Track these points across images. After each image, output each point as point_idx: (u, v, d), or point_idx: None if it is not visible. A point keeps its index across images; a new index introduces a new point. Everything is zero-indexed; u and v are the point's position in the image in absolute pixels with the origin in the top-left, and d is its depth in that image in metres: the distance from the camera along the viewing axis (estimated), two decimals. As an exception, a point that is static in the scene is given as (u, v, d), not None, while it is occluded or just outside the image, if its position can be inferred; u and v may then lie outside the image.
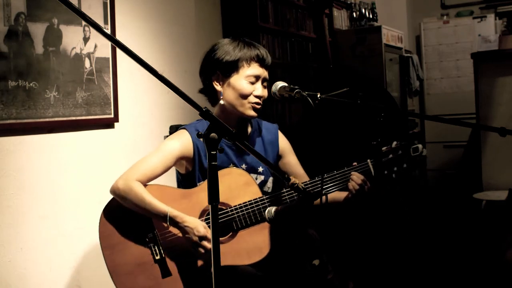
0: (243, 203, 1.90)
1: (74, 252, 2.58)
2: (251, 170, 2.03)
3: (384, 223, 3.73)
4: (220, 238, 1.88)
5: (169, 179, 2.04)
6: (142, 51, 3.06)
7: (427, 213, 5.24)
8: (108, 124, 2.80)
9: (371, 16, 5.78)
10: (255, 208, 1.89)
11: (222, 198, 1.89)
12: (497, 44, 4.33)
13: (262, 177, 2.07)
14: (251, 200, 1.90)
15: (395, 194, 4.13)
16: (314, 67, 4.88)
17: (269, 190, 2.09)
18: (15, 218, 2.33)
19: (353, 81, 4.63)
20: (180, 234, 1.87)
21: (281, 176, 1.61)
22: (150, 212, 1.85)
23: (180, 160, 1.96)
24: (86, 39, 2.64)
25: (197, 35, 3.53)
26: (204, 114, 1.27)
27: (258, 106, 1.98)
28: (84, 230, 2.61)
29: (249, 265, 1.88)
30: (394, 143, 1.98)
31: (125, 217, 1.89)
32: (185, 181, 2.03)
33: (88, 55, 2.65)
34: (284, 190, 1.93)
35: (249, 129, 2.10)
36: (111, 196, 1.92)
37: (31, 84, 2.36)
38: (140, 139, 3.01)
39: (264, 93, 2.00)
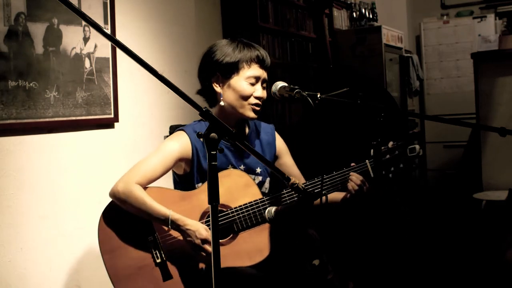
0: (244, 204, 1.90)
1: (74, 252, 2.58)
2: (249, 171, 2.03)
3: (382, 223, 3.73)
4: (221, 240, 1.88)
5: (166, 180, 2.04)
6: (142, 51, 3.06)
7: (427, 213, 5.24)
8: (108, 124, 2.80)
9: (371, 16, 5.77)
10: (256, 209, 1.89)
11: (222, 200, 1.89)
12: (497, 44, 4.33)
13: (260, 178, 2.07)
14: (251, 202, 1.90)
15: (392, 194, 4.12)
16: (314, 67, 4.87)
17: (267, 191, 2.09)
18: (15, 218, 2.33)
19: (353, 81, 4.63)
20: (181, 237, 1.86)
21: (281, 177, 1.60)
22: (151, 216, 1.84)
23: (178, 161, 1.95)
24: (86, 39, 2.64)
25: (197, 35, 3.53)
26: (204, 114, 1.27)
27: (258, 108, 1.98)
28: (84, 230, 2.61)
29: (250, 266, 1.88)
30: (391, 143, 1.99)
31: (125, 221, 1.88)
32: (183, 182, 2.02)
33: (88, 55, 2.65)
34: (284, 191, 1.92)
35: (247, 130, 2.10)
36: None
37: (31, 84, 2.36)
38: (140, 139, 3.01)
39: (264, 94, 2.00)
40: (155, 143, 3.01)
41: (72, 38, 2.57)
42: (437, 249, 4.06)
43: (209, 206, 1.26)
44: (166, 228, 1.86)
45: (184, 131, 1.98)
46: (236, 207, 1.89)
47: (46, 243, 2.45)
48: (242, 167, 2.02)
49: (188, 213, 1.86)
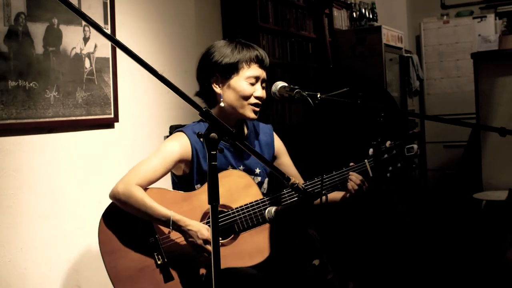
0: (244, 205, 1.90)
1: (74, 252, 2.58)
2: (249, 171, 2.02)
3: (380, 223, 3.73)
4: (222, 241, 1.88)
5: (164, 181, 2.03)
6: (142, 51, 3.06)
7: (427, 213, 5.24)
8: (108, 124, 2.80)
9: (371, 16, 5.77)
10: (256, 209, 1.89)
11: (223, 201, 1.89)
12: (497, 44, 4.33)
13: (258, 179, 2.07)
14: (252, 202, 1.90)
15: (390, 194, 4.12)
16: (314, 67, 4.87)
17: (265, 191, 2.09)
18: (15, 218, 2.33)
19: (353, 81, 4.63)
20: (182, 239, 1.86)
21: (281, 177, 1.60)
22: (152, 217, 1.84)
23: (178, 163, 1.95)
24: (86, 39, 2.64)
25: (197, 35, 3.53)
26: (204, 114, 1.27)
27: (258, 108, 1.98)
28: (84, 230, 2.61)
29: (250, 266, 1.88)
30: (388, 142, 1.99)
31: (125, 222, 1.87)
32: (181, 183, 2.01)
33: (88, 55, 2.65)
34: (285, 191, 1.92)
35: (245, 131, 2.10)
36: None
37: (31, 84, 2.36)
38: (140, 139, 3.01)
39: (264, 94, 2.00)
40: (155, 143, 3.01)
41: (72, 38, 2.57)
42: (437, 249, 4.06)
43: (209, 205, 1.26)
44: (167, 229, 1.85)
45: (184, 132, 1.97)
46: (237, 208, 1.89)
47: (46, 243, 2.45)
48: (241, 167, 2.02)
49: (189, 214, 1.86)
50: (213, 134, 1.26)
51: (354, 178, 1.94)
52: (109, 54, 2.76)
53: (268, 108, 4.07)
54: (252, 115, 1.98)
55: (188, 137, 1.95)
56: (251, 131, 2.11)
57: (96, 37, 2.68)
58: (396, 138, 2.01)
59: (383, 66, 5.29)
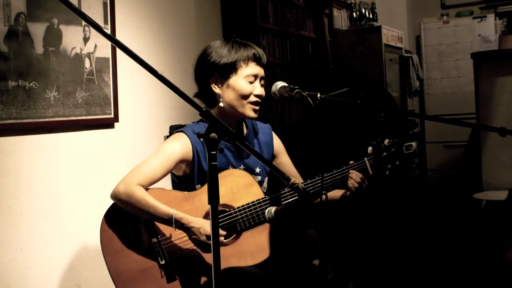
0: (246, 204, 1.90)
1: (74, 252, 2.58)
2: (249, 171, 2.03)
3: (379, 221, 3.73)
4: (224, 240, 1.88)
5: (164, 182, 2.03)
6: (142, 51, 3.06)
7: (427, 213, 5.24)
8: (108, 124, 2.80)
9: (371, 16, 5.77)
10: (258, 209, 1.89)
11: (225, 200, 1.89)
12: (497, 44, 4.33)
13: (258, 178, 2.07)
14: (254, 201, 1.90)
15: (388, 191, 4.12)
16: (314, 67, 4.87)
17: (265, 190, 2.09)
18: (15, 218, 2.33)
19: (353, 81, 4.63)
20: (185, 237, 1.86)
21: (280, 176, 1.61)
22: (154, 216, 1.84)
23: (179, 163, 1.95)
24: (86, 39, 2.64)
25: (197, 35, 3.54)
26: (204, 114, 1.27)
27: (257, 107, 1.99)
28: (84, 230, 2.61)
29: (252, 266, 1.88)
30: (387, 140, 2.00)
31: (127, 223, 1.87)
32: (182, 184, 2.01)
33: (88, 55, 2.65)
34: (286, 190, 1.92)
35: (245, 131, 2.10)
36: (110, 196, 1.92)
37: (31, 84, 2.36)
38: (140, 139, 3.01)
39: (263, 92, 2.00)
40: (155, 143, 3.01)
41: (72, 38, 2.57)
42: (437, 249, 4.06)
43: (209, 204, 1.26)
44: (170, 228, 1.85)
45: (184, 132, 1.97)
46: (239, 207, 1.90)
47: (46, 243, 2.45)
48: (241, 167, 2.03)
49: (191, 214, 1.86)
50: (213, 134, 1.26)
51: (355, 176, 1.95)
52: (109, 54, 2.76)
53: (268, 108, 4.08)
54: (252, 114, 1.98)
55: (188, 137, 1.95)
56: (250, 131, 2.11)
57: (96, 37, 2.68)
58: (395, 136, 2.02)
59: (383, 66, 5.29)
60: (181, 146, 1.93)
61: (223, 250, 1.86)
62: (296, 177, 2.11)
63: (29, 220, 2.38)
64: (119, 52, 2.79)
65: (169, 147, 1.93)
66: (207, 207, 1.89)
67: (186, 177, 1.99)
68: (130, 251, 1.85)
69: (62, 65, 2.51)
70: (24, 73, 2.33)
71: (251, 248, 1.89)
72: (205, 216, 1.90)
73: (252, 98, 1.96)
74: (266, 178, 2.11)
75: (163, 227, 1.87)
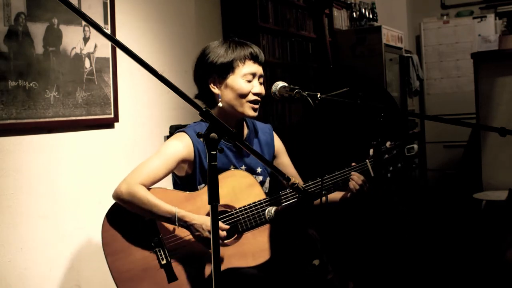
0: (248, 205, 1.90)
1: (74, 252, 2.58)
2: (250, 171, 2.03)
3: (380, 223, 3.73)
4: (226, 241, 1.88)
5: (165, 182, 2.03)
6: (142, 51, 3.06)
7: (427, 213, 5.24)
8: (108, 124, 2.80)
9: (371, 16, 5.77)
10: (260, 209, 1.89)
11: (226, 200, 1.90)
12: (497, 44, 4.33)
13: (260, 178, 2.07)
14: (255, 202, 1.90)
15: (390, 194, 4.13)
16: (314, 67, 4.87)
17: (267, 191, 2.09)
18: (15, 218, 2.33)
19: (353, 81, 4.63)
20: (186, 237, 1.86)
21: (281, 176, 1.61)
22: (157, 215, 1.84)
23: (181, 163, 1.95)
24: (86, 39, 2.64)
25: (197, 35, 3.54)
26: (204, 114, 1.27)
27: (257, 105, 1.98)
28: (84, 230, 2.61)
29: (253, 267, 1.88)
30: (388, 143, 1.99)
31: (128, 222, 1.87)
32: (184, 184, 2.01)
33: (88, 55, 2.65)
34: (287, 191, 1.92)
35: (246, 131, 2.10)
36: (111, 196, 1.91)
37: (31, 84, 2.36)
38: (140, 139, 3.01)
39: (262, 90, 2.00)
40: (155, 143, 3.01)
41: (72, 38, 2.57)
42: (437, 249, 4.06)
43: (209, 204, 1.26)
44: (172, 227, 1.85)
45: (186, 132, 1.97)
46: (240, 208, 1.90)
47: (46, 243, 2.45)
48: (243, 167, 2.03)
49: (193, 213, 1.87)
50: (213, 134, 1.27)
51: (356, 178, 1.95)
52: (109, 54, 2.76)
53: (268, 108, 4.08)
54: (251, 112, 1.97)
55: (190, 137, 1.95)
56: (251, 131, 2.11)
57: (96, 37, 2.68)
58: (396, 138, 2.02)
59: (383, 66, 5.29)
60: (183, 146, 1.93)
61: (224, 250, 1.86)
62: (296, 178, 2.11)
63: (29, 220, 2.38)
64: (119, 52, 2.79)
65: (170, 147, 1.93)
66: (209, 207, 1.89)
67: (188, 177, 1.99)
68: (131, 250, 1.85)
69: (62, 65, 2.51)
70: (24, 73, 2.33)
71: (253, 249, 1.89)
72: (207, 216, 1.90)
73: (251, 97, 1.96)
74: (268, 178, 2.11)
75: (164, 227, 1.87)
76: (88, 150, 2.68)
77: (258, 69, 2.00)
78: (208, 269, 1.87)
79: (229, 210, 1.91)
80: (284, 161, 2.17)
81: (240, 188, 1.92)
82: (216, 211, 1.27)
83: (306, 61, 4.83)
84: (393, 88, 5.57)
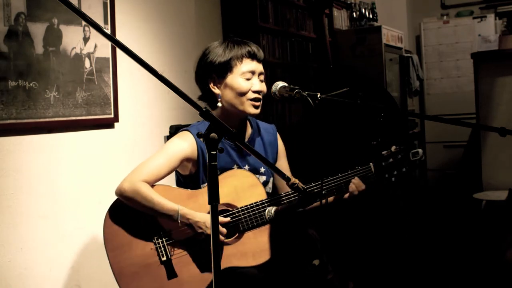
0: (249, 204, 1.90)
1: (74, 252, 2.58)
2: (253, 171, 2.03)
3: (384, 226, 3.73)
4: (227, 240, 1.89)
5: (168, 181, 2.04)
6: (142, 51, 3.06)
7: (427, 213, 5.24)
8: (108, 124, 2.80)
9: (371, 16, 5.77)
10: (261, 209, 1.90)
11: (228, 199, 1.90)
12: (497, 44, 4.33)
13: (263, 178, 2.07)
14: (257, 202, 1.90)
15: (396, 198, 4.13)
16: (314, 67, 4.87)
17: (270, 191, 2.10)
18: (15, 218, 2.33)
19: (353, 81, 4.63)
20: (188, 234, 1.87)
21: (281, 176, 1.61)
22: (159, 212, 1.85)
23: (184, 161, 1.96)
24: (86, 39, 2.64)
25: (197, 35, 3.54)
26: (204, 114, 1.27)
27: (258, 103, 1.98)
28: (84, 230, 2.61)
29: (254, 266, 1.89)
30: (394, 147, 1.99)
31: (130, 218, 1.88)
32: (188, 183, 2.02)
33: (88, 55, 2.65)
34: (289, 192, 1.92)
35: (250, 130, 2.10)
36: (111, 196, 1.92)
37: (31, 84, 2.36)
38: (140, 139, 3.01)
39: (262, 87, 1.99)
40: (155, 143, 3.01)
41: (72, 38, 2.57)
42: (437, 249, 4.06)
43: (209, 204, 1.26)
44: (173, 224, 1.86)
45: (189, 131, 1.98)
46: (242, 207, 1.90)
47: (46, 243, 2.45)
48: (246, 166, 2.03)
49: (195, 211, 1.87)
50: (213, 134, 1.27)
51: (357, 183, 1.94)
52: (109, 54, 2.76)
53: (268, 108, 4.08)
54: (252, 110, 1.97)
55: (194, 136, 1.96)
56: (255, 131, 2.11)
57: (96, 37, 2.68)
58: (401, 143, 2.01)
59: (383, 66, 5.29)
60: (187, 145, 1.94)
61: (225, 249, 1.87)
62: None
63: (29, 220, 2.38)
64: (119, 52, 2.79)
65: (174, 145, 1.95)
66: None
67: (191, 176, 2.00)
68: (132, 246, 1.86)
69: (62, 65, 2.51)
70: (24, 73, 2.33)
71: (253, 249, 1.89)
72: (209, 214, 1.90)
73: (251, 95, 1.96)
74: (272, 178, 2.11)
75: (165, 224, 1.88)
76: (88, 150, 2.68)
77: (257, 67, 1.99)
78: (209, 267, 1.87)
79: (230, 209, 1.91)
80: (281, 164, 2.17)
81: (242, 187, 1.92)
82: (216, 211, 1.27)
83: (306, 61, 4.83)
84: (393, 88, 5.57)
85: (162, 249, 1.87)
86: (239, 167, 2.01)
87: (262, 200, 1.91)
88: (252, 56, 1.98)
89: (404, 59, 5.87)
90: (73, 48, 2.57)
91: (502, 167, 4.21)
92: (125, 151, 2.90)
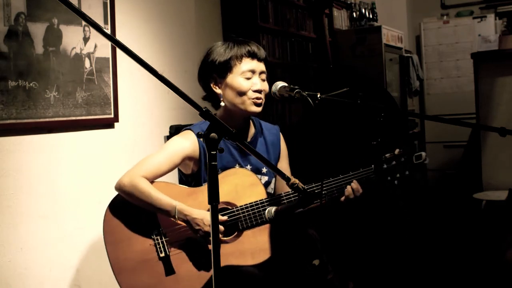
0: (249, 203, 1.90)
1: (74, 252, 2.58)
2: (255, 170, 2.03)
3: (384, 226, 3.73)
4: (225, 238, 1.89)
5: (171, 179, 2.04)
6: (142, 51, 3.06)
7: (427, 213, 5.24)
8: (108, 124, 2.80)
9: (371, 16, 5.77)
10: (261, 208, 1.90)
11: (228, 198, 1.90)
12: (497, 44, 4.33)
13: (266, 178, 2.07)
14: (257, 201, 1.90)
15: (396, 198, 4.13)
16: (314, 67, 4.87)
17: (272, 191, 2.10)
18: (15, 218, 2.33)
19: (353, 81, 4.63)
20: (187, 231, 1.87)
21: (280, 176, 1.61)
22: (156, 207, 1.86)
23: (186, 160, 1.96)
24: (86, 39, 2.64)
25: (197, 35, 3.53)
26: (204, 114, 1.27)
27: (259, 101, 1.97)
28: (84, 230, 2.61)
29: (252, 265, 1.89)
30: (397, 150, 1.98)
31: (130, 214, 1.89)
32: (190, 182, 2.03)
33: (88, 55, 2.65)
34: (290, 192, 1.92)
35: (252, 130, 2.10)
36: (111, 196, 1.92)
37: (31, 84, 2.36)
38: (140, 139, 3.01)
39: (264, 86, 1.98)
40: (155, 143, 3.01)
41: (72, 38, 2.57)
42: (437, 249, 4.06)
43: (209, 204, 1.26)
44: (172, 220, 1.86)
45: (192, 130, 1.99)
46: (242, 206, 1.90)
47: (46, 243, 2.45)
48: (248, 166, 2.03)
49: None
50: (213, 134, 1.27)
51: (355, 187, 1.93)
52: (109, 54, 2.76)
53: (268, 108, 4.08)
54: (253, 108, 1.97)
55: (196, 135, 1.97)
56: (258, 131, 2.11)
57: (96, 37, 2.68)
58: (405, 146, 2.00)
59: (383, 66, 5.29)
60: (188, 143, 1.95)
61: (223, 247, 1.87)
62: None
63: (29, 220, 2.38)
64: (119, 52, 2.79)
65: (175, 143, 1.96)
66: None
67: (193, 175, 2.01)
68: (132, 241, 1.87)
69: (62, 65, 2.51)
70: (24, 73, 2.33)
71: (252, 248, 1.89)
72: (208, 211, 1.90)
73: (251, 94, 1.95)
74: (274, 179, 2.11)
75: (165, 220, 1.88)
76: (88, 150, 2.68)
77: (258, 66, 1.99)
78: (207, 265, 1.87)
79: (230, 207, 1.91)
80: (282, 166, 2.17)
81: (243, 186, 1.93)
82: (216, 211, 1.27)
83: (306, 61, 4.83)
84: (393, 88, 5.57)
85: (161, 245, 1.87)
86: (241, 166, 2.01)
87: (262, 200, 1.91)
88: (252, 55, 1.98)
89: (404, 59, 5.87)
90: (73, 48, 2.57)
91: (502, 167, 4.21)
92: (125, 151, 2.90)
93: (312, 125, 3.94)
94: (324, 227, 2.17)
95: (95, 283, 2.65)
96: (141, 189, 1.85)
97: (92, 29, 2.64)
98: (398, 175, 1.96)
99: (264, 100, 1.99)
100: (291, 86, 1.89)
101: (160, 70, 1.25)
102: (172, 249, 1.88)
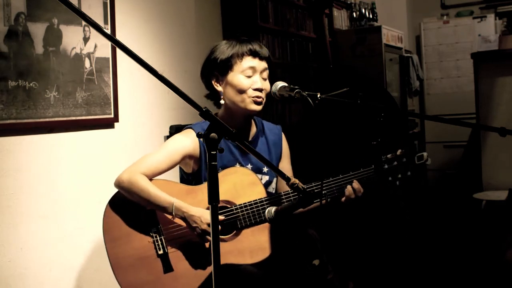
0: (248, 202, 1.90)
1: (74, 252, 2.58)
2: (256, 170, 2.03)
3: (385, 226, 3.73)
4: (224, 236, 1.89)
5: (172, 178, 2.04)
6: (142, 51, 3.06)
7: (427, 213, 5.24)
8: (108, 124, 2.80)
9: (371, 16, 5.77)
10: (260, 207, 1.90)
11: (227, 196, 1.90)
12: (497, 44, 4.33)
13: (267, 177, 2.07)
14: (256, 200, 1.90)
15: (396, 198, 4.13)
16: (314, 67, 4.87)
17: (274, 191, 2.10)
18: (15, 218, 2.33)
19: (353, 81, 4.63)
20: (185, 228, 1.87)
21: (280, 176, 1.61)
22: (154, 204, 1.86)
23: (186, 158, 1.97)
24: (86, 39, 2.64)
25: (197, 35, 3.53)
26: (204, 114, 1.27)
27: (259, 99, 1.97)
28: (84, 230, 2.61)
29: (250, 265, 1.89)
30: (399, 151, 1.98)
31: (130, 211, 1.90)
32: (191, 180, 2.03)
33: (88, 55, 2.65)
34: (289, 191, 1.92)
35: (254, 129, 2.10)
36: (110, 196, 1.92)
37: (31, 84, 2.36)
38: (140, 139, 3.01)
39: (265, 85, 1.98)
40: (155, 143, 3.01)
41: (72, 38, 2.57)
42: (437, 249, 4.06)
43: (209, 204, 1.26)
44: (170, 217, 1.86)
45: (193, 129, 1.99)
46: (240, 204, 1.90)
47: (46, 243, 2.45)
48: (249, 165, 2.03)
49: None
50: (213, 134, 1.27)
51: (357, 187, 1.93)
52: (109, 54, 2.76)
53: (268, 108, 4.08)
54: (254, 106, 1.96)
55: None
56: (259, 130, 2.11)
57: (96, 37, 2.68)
58: (407, 147, 2.00)
59: (383, 66, 5.30)
60: (189, 141, 1.96)
61: (221, 246, 1.86)
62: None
63: (29, 220, 2.38)
64: (119, 52, 2.79)
65: (176, 141, 1.96)
66: None
67: (194, 174, 2.01)
68: (131, 238, 1.87)
69: (62, 65, 2.51)
70: (24, 73, 2.33)
71: (251, 246, 1.89)
72: (207, 210, 1.90)
73: (252, 93, 1.95)
74: (275, 179, 2.11)
75: (164, 218, 1.89)
76: (88, 150, 2.68)
77: (259, 64, 1.98)
78: (205, 263, 1.87)
79: (229, 206, 1.91)
80: (284, 166, 2.17)
81: (242, 185, 1.93)
82: (216, 211, 1.27)
83: (306, 61, 4.83)
84: (393, 88, 5.57)
85: (159, 242, 1.87)
86: (242, 165, 2.01)
87: (261, 199, 1.91)
88: (254, 53, 1.98)
89: (404, 59, 5.87)
90: (73, 48, 2.57)
91: (502, 167, 4.21)
92: (125, 151, 2.90)
93: (312, 125, 3.94)
94: (324, 227, 2.17)
95: (95, 283, 2.65)
96: (139, 186, 1.85)
97: (92, 29, 2.64)
98: (399, 176, 1.96)
99: (264, 99, 1.98)
100: (291, 86, 1.88)
101: (160, 70, 1.25)
102: (171, 246, 1.88)
